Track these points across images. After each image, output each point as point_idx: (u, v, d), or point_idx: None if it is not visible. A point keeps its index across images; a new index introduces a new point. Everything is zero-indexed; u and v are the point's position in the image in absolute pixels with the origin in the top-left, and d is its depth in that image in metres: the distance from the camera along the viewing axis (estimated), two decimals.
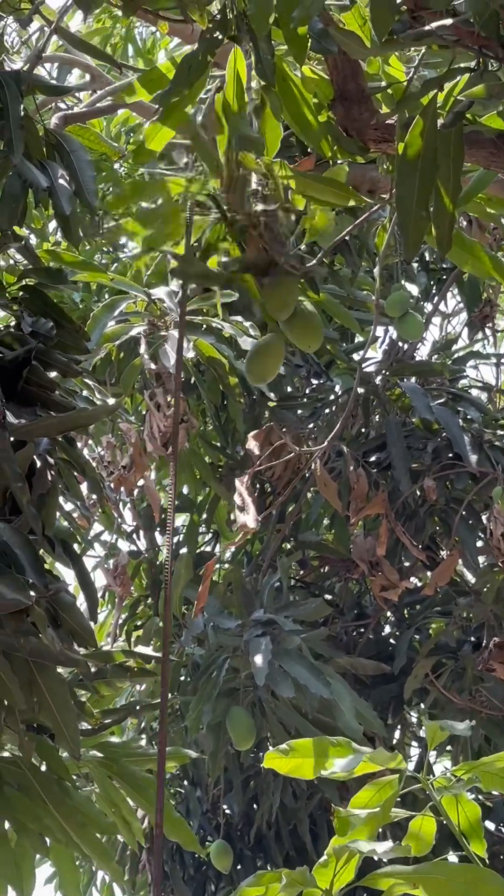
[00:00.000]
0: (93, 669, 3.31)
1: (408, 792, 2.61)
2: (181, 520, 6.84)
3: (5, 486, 3.04)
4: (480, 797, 5.26)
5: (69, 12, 3.83)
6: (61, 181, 3.30)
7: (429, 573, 5.92)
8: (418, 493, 5.76)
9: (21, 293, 3.42)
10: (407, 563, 6.00)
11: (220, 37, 3.14)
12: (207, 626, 5.39)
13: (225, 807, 6.30)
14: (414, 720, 6.56)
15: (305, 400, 6.31)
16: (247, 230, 2.97)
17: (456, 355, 6.69)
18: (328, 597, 6.32)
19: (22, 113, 3.21)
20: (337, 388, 6.30)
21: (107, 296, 5.37)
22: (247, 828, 6.29)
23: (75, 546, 3.38)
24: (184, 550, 6.43)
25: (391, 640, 6.36)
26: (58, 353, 3.36)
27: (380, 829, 2.66)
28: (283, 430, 5.38)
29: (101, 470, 4.93)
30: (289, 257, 3.05)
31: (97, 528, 6.53)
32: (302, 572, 6.54)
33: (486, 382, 6.94)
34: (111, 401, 3.72)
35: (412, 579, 6.10)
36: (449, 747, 5.99)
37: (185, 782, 6.44)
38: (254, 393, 5.79)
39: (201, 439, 5.98)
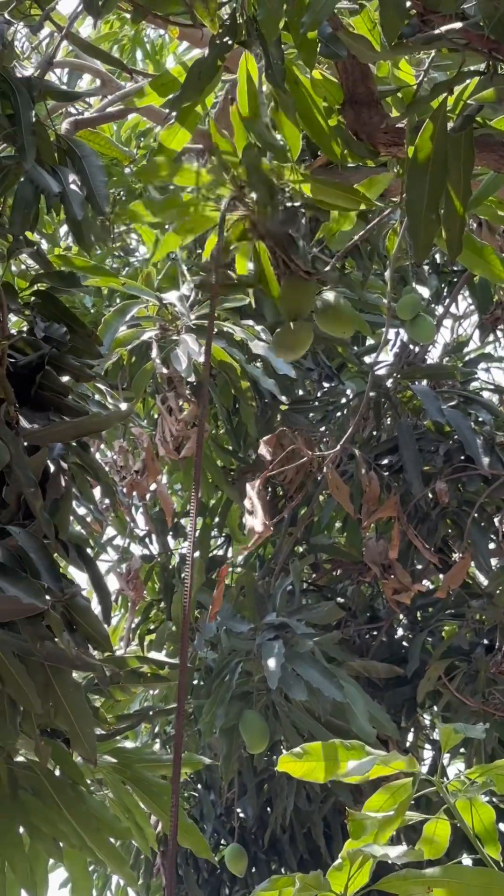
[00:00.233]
0: (107, 674, 3.31)
1: (422, 795, 2.60)
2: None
3: (19, 491, 3.04)
4: (494, 800, 5.25)
5: (79, 18, 3.82)
6: (73, 186, 3.29)
7: (441, 576, 5.90)
8: (430, 495, 5.75)
9: (34, 298, 3.43)
10: (419, 566, 6.00)
11: (231, 42, 3.15)
12: (220, 630, 5.39)
13: (239, 810, 6.30)
14: (427, 723, 6.54)
15: (317, 403, 6.30)
16: (269, 232, 2.98)
17: (467, 358, 6.68)
18: (340, 600, 6.31)
19: (34, 119, 3.21)
20: (348, 392, 6.30)
21: (118, 300, 5.37)
22: (261, 831, 6.29)
23: (88, 550, 3.37)
24: (196, 554, 6.43)
25: (404, 643, 6.34)
26: (71, 357, 3.37)
27: (394, 832, 2.66)
28: (295, 433, 5.38)
29: (113, 474, 4.93)
30: (304, 262, 3.06)
31: (110, 531, 6.54)
32: (314, 576, 6.53)
33: (497, 385, 6.92)
34: (124, 406, 3.72)
35: (425, 582, 6.08)
36: (462, 750, 5.98)
37: (199, 786, 6.44)
38: (265, 397, 5.79)
39: (213, 443, 5.99)
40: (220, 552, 6.95)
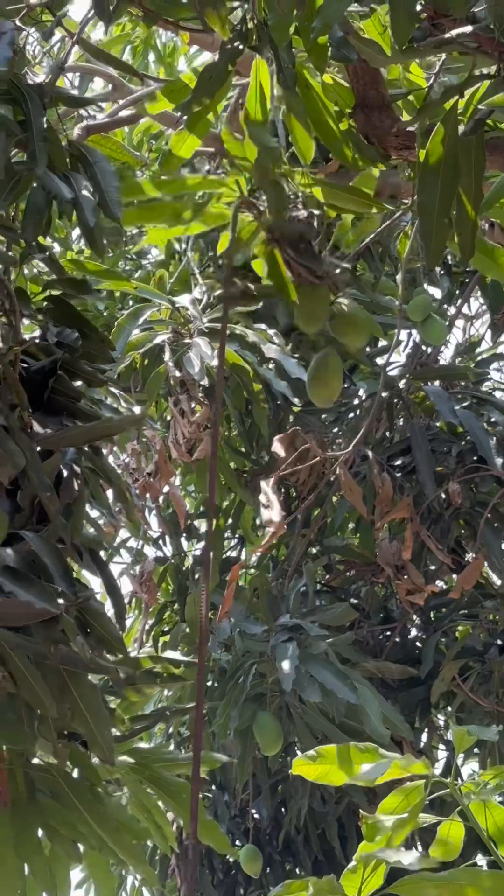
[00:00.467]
0: (122, 676, 3.31)
1: (436, 796, 2.61)
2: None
3: (33, 495, 3.05)
4: None
5: (90, 23, 3.83)
6: (85, 193, 3.30)
7: (454, 576, 5.91)
8: (443, 496, 5.75)
9: (46, 303, 3.43)
10: (432, 567, 6.00)
11: (241, 46, 3.15)
12: (234, 632, 5.40)
13: (253, 811, 6.30)
14: (441, 723, 6.54)
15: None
16: (280, 238, 2.98)
17: (479, 358, 6.68)
18: (354, 601, 6.30)
19: (45, 125, 3.22)
20: (361, 393, 6.29)
21: (130, 303, 5.39)
22: (275, 832, 6.30)
23: (101, 553, 3.38)
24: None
25: (417, 644, 6.33)
26: (83, 362, 3.37)
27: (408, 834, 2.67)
28: (308, 434, 5.38)
29: (126, 477, 4.94)
30: (319, 268, 3.06)
31: (123, 533, 6.55)
32: (328, 577, 6.53)
33: None
34: (137, 409, 3.74)
35: (438, 583, 6.09)
36: (476, 750, 5.98)
37: (213, 787, 6.44)
38: (278, 399, 5.80)
39: (226, 445, 5.99)
40: (234, 554, 6.96)
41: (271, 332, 4.95)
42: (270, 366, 5.17)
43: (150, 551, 6.58)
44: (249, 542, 6.74)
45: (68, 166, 3.36)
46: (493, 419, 5.82)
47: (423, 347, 6.23)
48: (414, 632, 6.53)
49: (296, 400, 5.86)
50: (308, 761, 2.65)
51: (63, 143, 3.38)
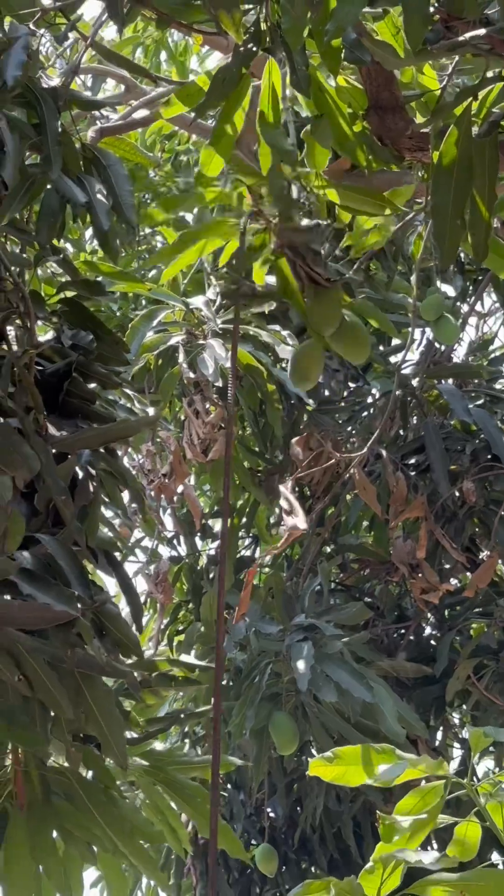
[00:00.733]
0: (138, 679, 3.32)
1: (452, 796, 2.62)
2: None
3: (49, 498, 3.05)
4: None
5: (103, 24, 3.84)
6: (99, 196, 3.30)
7: (469, 575, 5.89)
8: (457, 495, 5.75)
9: (60, 306, 3.44)
10: (447, 566, 5.98)
11: (255, 49, 3.14)
12: (249, 632, 5.39)
13: (269, 810, 6.30)
14: (456, 722, 6.53)
15: (343, 404, 6.29)
16: (288, 246, 2.98)
17: (493, 355, 6.66)
18: (368, 600, 6.29)
19: (59, 128, 3.22)
20: (374, 392, 6.28)
21: (144, 304, 5.39)
22: (291, 831, 6.29)
23: (117, 554, 3.39)
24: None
25: (432, 643, 6.32)
26: (98, 364, 3.37)
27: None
28: (322, 434, 5.38)
29: (141, 478, 4.94)
30: (328, 272, 3.06)
31: (138, 534, 6.55)
32: (342, 576, 6.52)
33: None
34: (151, 411, 3.73)
35: (452, 581, 6.08)
36: (491, 748, 5.97)
37: (229, 786, 6.44)
38: (292, 398, 5.79)
39: (240, 445, 6.00)
40: (248, 553, 6.96)
41: (285, 332, 4.95)
42: (284, 366, 5.17)
43: (164, 551, 6.59)
44: (264, 541, 6.73)
45: (82, 169, 3.38)
46: None
47: (437, 346, 6.21)
48: (428, 630, 6.52)
49: (310, 400, 5.86)
50: (325, 762, 2.66)
51: (77, 145, 3.39)
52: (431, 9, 2.83)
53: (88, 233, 6.35)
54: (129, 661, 3.18)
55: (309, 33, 3.05)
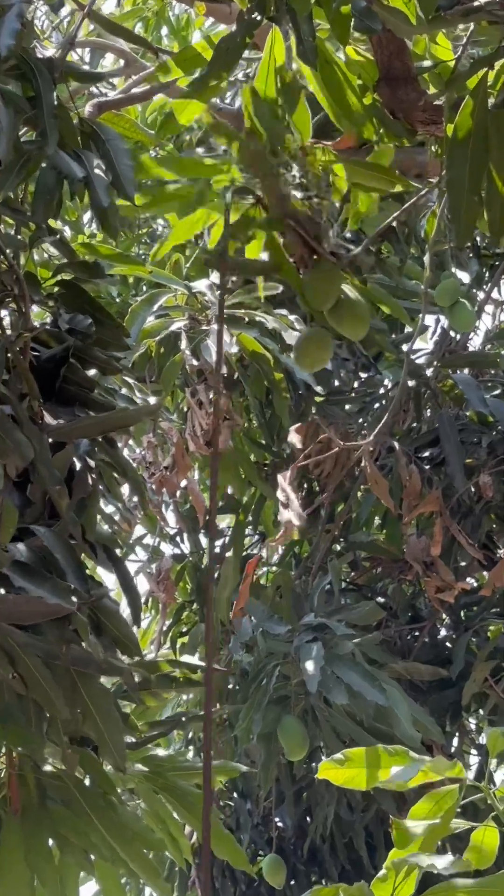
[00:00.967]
0: (137, 679, 3.25)
1: (468, 802, 2.58)
2: (226, 521, 6.74)
3: (45, 489, 3.00)
4: None
5: None
6: (97, 171, 3.21)
7: (486, 573, 5.84)
8: (473, 489, 5.67)
9: (57, 289, 3.35)
10: (463, 563, 5.90)
11: (259, 17, 3.06)
12: (256, 632, 5.30)
13: (277, 819, 6.23)
14: (473, 727, 6.45)
15: (354, 394, 6.23)
16: (284, 218, 2.86)
17: None
18: (381, 599, 6.23)
19: (56, 101, 3.12)
20: (386, 382, 6.22)
21: (145, 288, 5.29)
22: (300, 841, 6.24)
23: (117, 550, 3.30)
24: (229, 553, 6.32)
25: (447, 644, 6.26)
26: (97, 350, 3.31)
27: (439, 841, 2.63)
28: (330, 425, 5.27)
29: (142, 471, 4.86)
30: (330, 246, 2.94)
31: (139, 530, 6.48)
32: (353, 574, 6.46)
33: None
34: (152, 400, 3.69)
35: (469, 580, 6.01)
36: None
37: (235, 794, 6.39)
38: (300, 388, 5.69)
39: (246, 437, 5.89)
40: (255, 550, 6.86)
41: (293, 317, 4.82)
42: (292, 353, 5.05)
43: (167, 548, 6.50)
44: (271, 537, 6.63)
45: (80, 144, 3.30)
46: None
47: (452, 334, 6.12)
48: (444, 631, 6.46)
49: (319, 389, 5.75)
50: (335, 765, 2.61)
51: (74, 120, 3.31)
52: None
53: (88, 216, 6.27)
54: (128, 661, 3.10)
55: (316, 0, 2.96)
